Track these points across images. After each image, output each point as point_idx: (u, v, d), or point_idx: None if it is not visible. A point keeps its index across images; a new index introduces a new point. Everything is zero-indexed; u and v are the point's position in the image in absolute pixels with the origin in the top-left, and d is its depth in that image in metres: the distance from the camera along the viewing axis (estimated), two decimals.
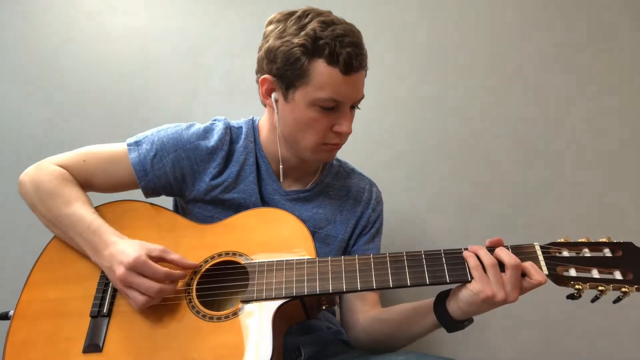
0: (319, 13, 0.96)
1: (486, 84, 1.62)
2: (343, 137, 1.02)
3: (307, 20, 0.95)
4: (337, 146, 1.04)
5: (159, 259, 0.90)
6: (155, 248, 0.90)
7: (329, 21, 0.94)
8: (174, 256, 0.92)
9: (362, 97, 1.02)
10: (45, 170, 1.00)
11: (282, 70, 0.96)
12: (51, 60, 1.62)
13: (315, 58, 0.93)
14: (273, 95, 1.01)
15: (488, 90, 1.61)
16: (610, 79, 1.61)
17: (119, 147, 1.06)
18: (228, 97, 1.62)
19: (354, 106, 1.02)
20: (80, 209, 0.96)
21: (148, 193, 1.07)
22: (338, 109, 0.98)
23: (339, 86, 0.95)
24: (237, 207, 1.05)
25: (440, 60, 1.63)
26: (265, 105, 1.07)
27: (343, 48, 0.92)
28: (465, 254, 0.87)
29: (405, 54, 1.64)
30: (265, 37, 1.00)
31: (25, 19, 1.64)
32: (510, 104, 1.60)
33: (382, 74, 1.60)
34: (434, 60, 1.63)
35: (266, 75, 0.99)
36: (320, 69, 0.93)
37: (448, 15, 1.66)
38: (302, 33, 0.93)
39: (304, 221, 0.98)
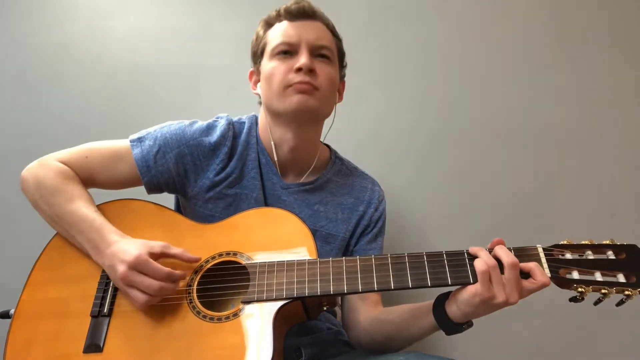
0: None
1: (489, 85, 1.61)
2: (305, 74, 1.01)
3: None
4: (303, 86, 1.01)
5: (161, 255, 0.90)
6: (157, 245, 0.90)
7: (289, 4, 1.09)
8: (175, 250, 0.91)
9: (323, 46, 1.07)
10: (47, 166, 1.00)
11: (253, 52, 1.12)
12: (54, 60, 1.62)
13: (271, 26, 1.09)
14: (258, 84, 1.11)
15: (490, 91, 1.60)
16: (612, 78, 1.60)
17: (121, 144, 1.06)
18: (230, 96, 1.61)
19: (315, 54, 1.06)
20: (82, 207, 0.96)
21: (151, 189, 1.07)
22: (296, 53, 1.05)
23: (287, 31, 1.06)
24: (239, 202, 1.05)
25: (442, 61, 1.62)
26: (260, 104, 1.12)
27: (288, 6, 1.08)
28: (475, 256, 0.85)
29: (406, 54, 1.63)
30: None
31: (26, 18, 1.64)
32: (512, 105, 1.59)
33: (382, 74, 1.59)
34: (435, 61, 1.62)
35: (251, 69, 1.14)
36: (274, 31, 1.08)
37: (449, 15, 1.64)
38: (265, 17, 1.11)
39: (304, 220, 0.97)
